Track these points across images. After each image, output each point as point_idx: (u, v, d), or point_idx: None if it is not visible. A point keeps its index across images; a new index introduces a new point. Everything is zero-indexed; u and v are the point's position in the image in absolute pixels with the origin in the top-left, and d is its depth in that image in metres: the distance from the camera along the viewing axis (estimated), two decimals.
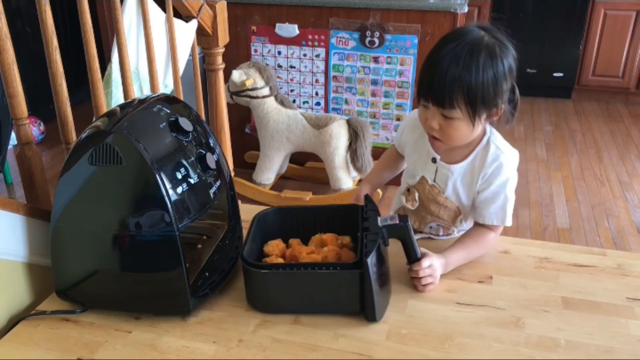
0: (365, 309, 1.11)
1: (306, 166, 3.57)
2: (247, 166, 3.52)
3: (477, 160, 1.28)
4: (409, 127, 1.39)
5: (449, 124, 1.19)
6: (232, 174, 1.84)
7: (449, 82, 1.14)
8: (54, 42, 1.35)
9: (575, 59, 4.72)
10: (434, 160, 1.32)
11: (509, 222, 1.30)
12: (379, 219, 1.17)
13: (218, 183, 1.20)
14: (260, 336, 1.10)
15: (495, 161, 1.26)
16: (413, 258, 1.21)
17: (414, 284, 1.22)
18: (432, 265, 1.20)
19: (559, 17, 4.64)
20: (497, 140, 1.28)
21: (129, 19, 1.81)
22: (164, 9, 1.87)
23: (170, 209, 1.06)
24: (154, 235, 1.08)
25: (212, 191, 1.17)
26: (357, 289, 1.09)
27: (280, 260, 1.22)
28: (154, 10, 1.84)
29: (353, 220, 1.26)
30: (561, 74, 4.82)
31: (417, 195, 1.37)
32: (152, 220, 1.07)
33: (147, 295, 1.15)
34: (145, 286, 1.14)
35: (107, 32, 4.02)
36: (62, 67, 1.38)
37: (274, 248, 1.26)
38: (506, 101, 1.20)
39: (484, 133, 1.28)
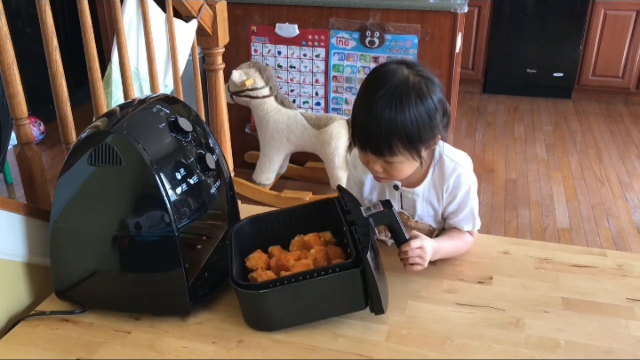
0: (371, 304, 1.09)
1: (306, 166, 3.57)
2: (247, 166, 3.52)
3: (436, 177, 1.29)
4: (360, 166, 1.35)
5: (392, 167, 1.19)
6: (232, 174, 1.84)
7: (385, 134, 1.13)
8: (54, 42, 1.35)
9: (575, 59, 4.72)
10: (396, 187, 1.32)
11: (478, 225, 1.34)
12: (361, 209, 1.16)
13: (218, 183, 1.19)
14: (260, 336, 1.10)
15: (454, 172, 1.27)
16: (402, 241, 1.19)
17: (403, 263, 1.21)
18: (423, 246, 1.20)
19: (559, 17, 4.64)
20: (447, 151, 1.29)
21: (129, 19, 1.80)
22: (164, 9, 1.87)
23: (169, 210, 1.06)
24: (153, 236, 1.08)
25: (211, 191, 1.17)
26: (360, 286, 1.08)
27: (269, 273, 1.17)
28: (154, 10, 1.83)
29: (330, 214, 1.23)
30: (561, 74, 4.82)
31: None
32: (152, 221, 1.07)
33: (147, 296, 1.15)
34: (144, 287, 1.14)
35: (107, 32, 4.02)
36: (62, 67, 1.38)
37: (257, 261, 1.20)
38: (444, 127, 1.21)
39: (432, 150, 1.29)
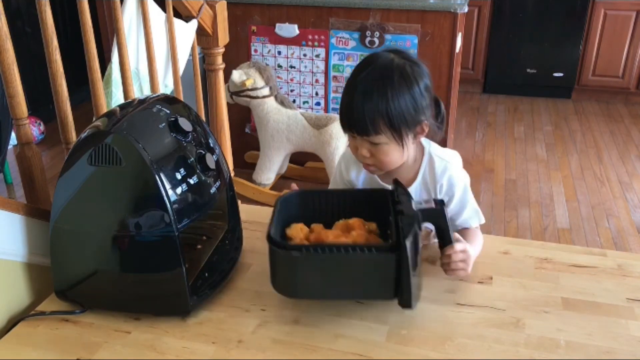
0: (400, 295, 1.07)
1: (306, 166, 3.56)
2: (247, 166, 3.52)
3: (427, 176, 1.30)
4: (353, 167, 1.35)
5: (378, 150, 1.20)
6: (232, 174, 1.84)
7: (367, 111, 1.15)
8: (54, 42, 1.35)
9: (575, 59, 4.72)
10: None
11: (483, 218, 1.34)
12: (413, 202, 1.14)
13: (218, 183, 1.19)
14: (260, 337, 1.10)
15: (445, 172, 1.28)
16: (447, 243, 1.17)
17: (444, 268, 1.20)
18: (466, 250, 1.19)
19: (559, 17, 4.64)
20: (436, 150, 1.30)
21: (129, 19, 1.81)
22: (164, 9, 1.87)
23: (169, 210, 1.06)
24: (153, 236, 1.08)
25: (211, 191, 1.17)
26: (393, 274, 1.05)
27: (306, 244, 1.15)
28: (154, 10, 1.84)
29: (380, 205, 1.20)
30: (561, 74, 4.82)
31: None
32: (152, 221, 1.07)
33: (147, 296, 1.15)
34: (144, 287, 1.14)
35: (107, 32, 4.02)
36: (62, 67, 1.38)
37: (298, 232, 1.19)
38: (431, 117, 1.22)
39: (422, 148, 1.30)
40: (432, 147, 1.31)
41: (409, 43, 3.12)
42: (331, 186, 1.44)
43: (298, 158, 3.46)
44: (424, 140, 1.30)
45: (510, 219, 3.14)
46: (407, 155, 1.24)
